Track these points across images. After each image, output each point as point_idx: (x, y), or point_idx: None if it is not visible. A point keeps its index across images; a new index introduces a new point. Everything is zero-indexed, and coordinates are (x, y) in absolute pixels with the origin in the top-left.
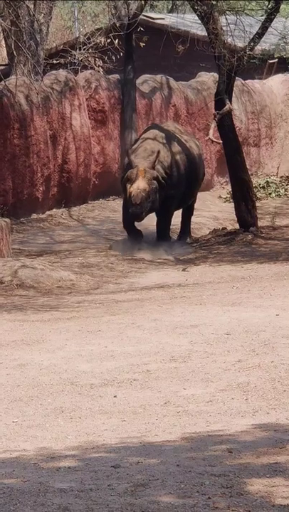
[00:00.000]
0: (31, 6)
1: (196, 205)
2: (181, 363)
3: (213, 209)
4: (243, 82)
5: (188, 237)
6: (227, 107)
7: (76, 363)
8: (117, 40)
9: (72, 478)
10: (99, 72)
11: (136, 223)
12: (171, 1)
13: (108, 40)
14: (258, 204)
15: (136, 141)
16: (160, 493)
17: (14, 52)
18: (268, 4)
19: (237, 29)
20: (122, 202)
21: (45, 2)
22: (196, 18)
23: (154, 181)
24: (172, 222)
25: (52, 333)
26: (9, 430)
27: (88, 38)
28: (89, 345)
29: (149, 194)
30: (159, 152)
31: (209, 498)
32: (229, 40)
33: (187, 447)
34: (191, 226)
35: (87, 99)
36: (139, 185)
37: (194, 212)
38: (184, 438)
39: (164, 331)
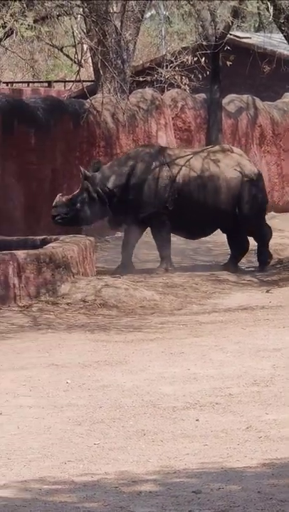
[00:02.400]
0: (118, 24)
1: (281, 226)
2: (264, 387)
3: None
4: None
5: (263, 265)
6: None
7: (159, 385)
8: (203, 59)
9: (153, 503)
10: (185, 90)
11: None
12: (258, 21)
13: (195, 59)
14: None
15: None
16: None
17: (100, 71)
18: None
19: None
20: None
21: (132, 20)
22: (283, 38)
23: (84, 192)
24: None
25: (135, 354)
26: (91, 452)
27: (175, 56)
28: (172, 367)
29: (70, 201)
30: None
31: None
32: None
33: (268, 473)
34: (275, 247)
35: (173, 118)
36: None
37: (279, 233)
38: (266, 464)
39: (247, 354)
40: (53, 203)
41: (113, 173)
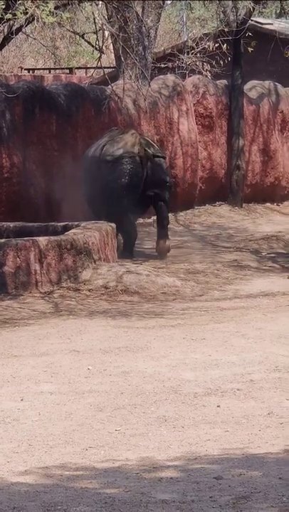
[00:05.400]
0: (139, 11)
1: None
2: (285, 373)
3: None
4: None
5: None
6: None
7: (180, 372)
8: (225, 45)
9: (174, 489)
10: (207, 77)
11: None
12: (279, 6)
13: (216, 45)
14: None
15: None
16: (262, 506)
17: (121, 57)
18: None
19: None
20: (228, 207)
21: (153, 6)
22: None
23: None
24: None
25: (156, 340)
26: (112, 439)
27: (196, 43)
28: (193, 353)
29: None
30: None
31: None
32: None
33: None
34: None
35: (194, 104)
36: None
37: None
38: (287, 450)
39: (269, 340)
40: None
41: None
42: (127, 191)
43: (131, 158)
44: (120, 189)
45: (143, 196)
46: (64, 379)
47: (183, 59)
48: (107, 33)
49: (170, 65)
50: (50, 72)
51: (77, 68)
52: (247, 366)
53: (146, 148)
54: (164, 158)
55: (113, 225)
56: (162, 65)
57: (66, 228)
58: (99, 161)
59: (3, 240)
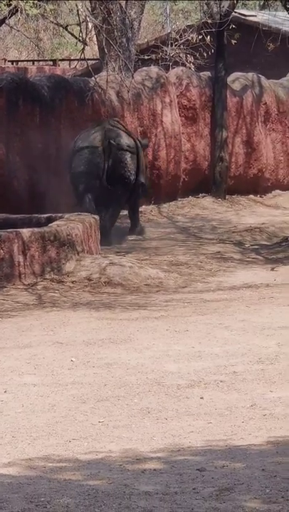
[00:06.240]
0: (123, 3)
1: (287, 204)
2: (269, 365)
3: None
4: None
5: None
6: None
7: (163, 363)
8: (208, 37)
9: (158, 480)
10: (190, 68)
11: None
12: None
13: (200, 37)
14: None
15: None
16: (245, 498)
17: (105, 49)
18: None
19: None
20: (212, 199)
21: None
22: (288, 15)
23: None
24: None
25: (139, 332)
26: (95, 430)
27: (180, 35)
28: (176, 345)
29: None
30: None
31: None
32: None
33: (273, 451)
34: (281, 225)
35: (178, 96)
36: None
37: (284, 211)
38: (270, 442)
39: (252, 332)
40: None
41: None
42: (83, 179)
43: (90, 149)
44: (76, 177)
45: (105, 188)
46: (47, 371)
47: (166, 51)
48: (90, 24)
49: (153, 56)
50: (33, 63)
51: (60, 60)
52: (230, 358)
53: (111, 141)
54: (132, 152)
55: (96, 216)
56: (146, 57)
57: (50, 220)
58: (72, 151)
59: None
